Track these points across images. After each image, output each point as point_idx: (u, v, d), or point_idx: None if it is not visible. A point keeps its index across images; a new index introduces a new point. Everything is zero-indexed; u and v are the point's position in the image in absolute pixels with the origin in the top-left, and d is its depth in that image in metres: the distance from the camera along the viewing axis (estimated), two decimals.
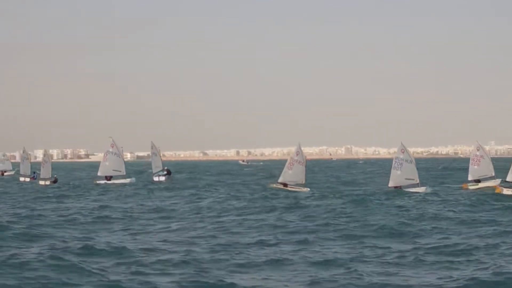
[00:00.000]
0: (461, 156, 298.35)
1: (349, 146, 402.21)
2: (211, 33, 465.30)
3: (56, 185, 56.61)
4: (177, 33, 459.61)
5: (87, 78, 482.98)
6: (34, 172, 69.52)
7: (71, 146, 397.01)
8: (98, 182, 56.54)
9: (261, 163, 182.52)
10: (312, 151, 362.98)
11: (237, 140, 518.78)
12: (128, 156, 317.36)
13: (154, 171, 62.64)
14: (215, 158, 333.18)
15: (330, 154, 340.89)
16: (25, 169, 71.83)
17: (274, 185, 47.32)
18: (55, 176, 61.64)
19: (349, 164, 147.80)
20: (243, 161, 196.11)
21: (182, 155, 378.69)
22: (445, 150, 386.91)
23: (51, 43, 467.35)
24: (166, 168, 63.07)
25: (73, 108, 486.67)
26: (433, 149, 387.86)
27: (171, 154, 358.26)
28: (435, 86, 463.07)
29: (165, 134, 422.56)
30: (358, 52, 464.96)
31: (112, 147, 56.46)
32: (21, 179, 69.99)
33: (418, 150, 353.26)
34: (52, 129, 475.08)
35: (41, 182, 60.28)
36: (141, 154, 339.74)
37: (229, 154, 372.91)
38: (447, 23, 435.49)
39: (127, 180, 56.50)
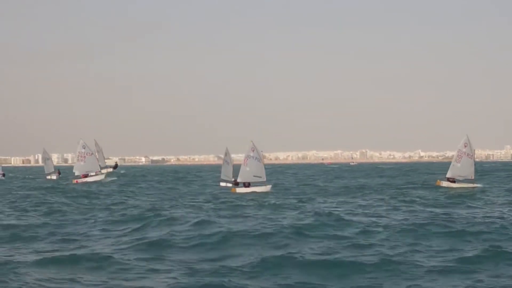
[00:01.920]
0: (477, 160, 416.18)
1: (364, 150, 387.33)
2: (222, 38, 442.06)
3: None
4: (186, 37, 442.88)
5: (98, 81, 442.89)
6: (59, 170, 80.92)
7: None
8: (235, 190, 51.33)
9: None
10: (327, 155, 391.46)
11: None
12: (143, 160, 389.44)
13: (223, 178, 59.93)
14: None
15: (352, 158, 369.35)
16: (49, 168, 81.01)
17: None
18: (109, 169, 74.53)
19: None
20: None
21: (197, 159, 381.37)
22: None
23: (67, 46, 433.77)
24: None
25: (83, 111, 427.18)
26: (448, 153, 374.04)
27: (185, 158, 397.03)
28: (449, 90, 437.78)
29: (180, 139, 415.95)
30: (373, 55, 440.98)
31: (253, 151, 49.98)
32: (48, 177, 77.16)
33: (433, 154, 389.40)
34: (64, 132, 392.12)
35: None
36: (155, 158, 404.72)
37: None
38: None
39: (268, 187, 50.04)
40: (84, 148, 63.02)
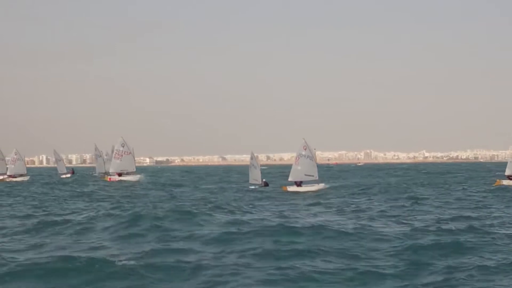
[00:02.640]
0: (481, 160, 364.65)
1: (368, 151, 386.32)
2: (223, 38, 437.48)
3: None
4: (186, 37, 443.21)
5: (98, 81, 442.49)
6: (72, 169, 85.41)
7: (89, 151, 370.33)
8: (287, 188, 50.86)
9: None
10: (332, 156, 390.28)
11: (256, 145, 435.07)
12: (147, 161, 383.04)
13: (251, 182, 58.96)
14: (234, 163, 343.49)
15: (358, 159, 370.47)
16: (61, 168, 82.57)
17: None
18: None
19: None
20: None
21: (201, 160, 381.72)
22: (464, 154, 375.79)
23: (67, 46, 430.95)
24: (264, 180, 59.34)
25: (87, 112, 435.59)
26: (453, 154, 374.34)
27: (190, 159, 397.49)
28: (453, 90, 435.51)
29: (185, 139, 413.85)
30: (377, 55, 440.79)
31: (305, 149, 49.28)
32: (62, 176, 79.06)
33: (438, 154, 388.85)
34: (71, 134, 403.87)
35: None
36: (159, 159, 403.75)
37: (247, 158, 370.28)
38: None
39: (321, 185, 49.96)
40: (123, 147, 61.33)
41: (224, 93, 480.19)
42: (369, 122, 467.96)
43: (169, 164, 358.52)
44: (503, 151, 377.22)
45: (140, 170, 74.85)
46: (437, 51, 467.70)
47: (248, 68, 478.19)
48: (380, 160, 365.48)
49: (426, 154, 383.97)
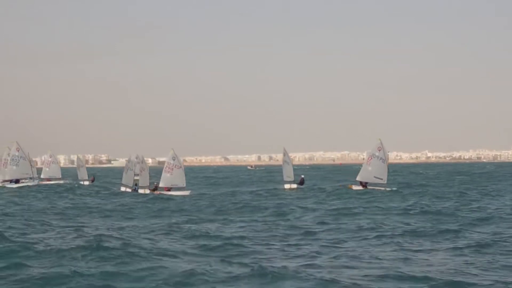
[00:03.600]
0: (484, 160, 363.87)
1: (370, 151, 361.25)
2: (224, 39, 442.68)
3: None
4: (187, 37, 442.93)
5: (98, 81, 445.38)
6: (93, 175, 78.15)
7: (92, 151, 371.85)
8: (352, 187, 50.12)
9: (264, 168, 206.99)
10: (334, 156, 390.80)
11: (259, 145, 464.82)
12: (150, 161, 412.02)
13: (285, 179, 59.41)
14: (236, 163, 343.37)
15: (363, 159, 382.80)
16: (82, 175, 74.52)
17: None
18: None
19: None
20: (251, 166, 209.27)
21: (203, 160, 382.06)
22: (467, 154, 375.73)
23: (67, 47, 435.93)
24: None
25: (90, 111, 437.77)
26: (455, 154, 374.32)
27: (192, 159, 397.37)
28: (455, 90, 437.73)
29: (187, 139, 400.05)
30: (379, 56, 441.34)
31: (379, 150, 48.10)
32: (81, 182, 72.15)
33: (441, 155, 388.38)
34: (73, 134, 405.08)
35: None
36: (162, 159, 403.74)
37: (250, 159, 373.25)
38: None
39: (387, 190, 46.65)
40: (174, 160, 57.25)
41: (224, 93, 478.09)
42: (371, 122, 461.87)
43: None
44: (506, 151, 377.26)
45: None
46: (438, 51, 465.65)
47: (248, 68, 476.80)
48: None
49: (429, 154, 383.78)
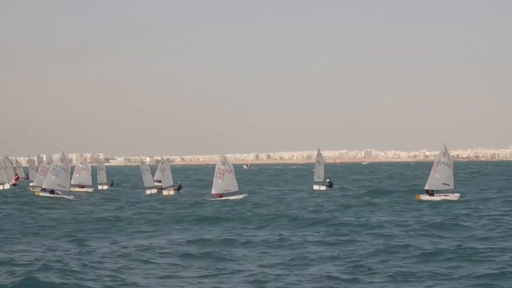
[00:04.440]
0: (482, 159, 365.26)
1: (369, 150, 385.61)
2: (223, 38, 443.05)
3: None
4: (186, 37, 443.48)
5: (97, 81, 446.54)
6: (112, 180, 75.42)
7: (90, 150, 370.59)
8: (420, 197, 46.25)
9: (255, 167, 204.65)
10: (332, 155, 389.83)
11: (257, 144, 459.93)
12: (147, 160, 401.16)
13: (316, 180, 60.28)
14: (234, 162, 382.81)
15: (364, 157, 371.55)
16: (101, 178, 72.66)
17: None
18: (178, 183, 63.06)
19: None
20: (247, 166, 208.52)
21: (201, 159, 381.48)
22: (465, 153, 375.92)
23: (66, 47, 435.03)
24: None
25: (90, 111, 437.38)
26: (453, 153, 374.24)
27: (190, 158, 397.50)
28: (453, 89, 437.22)
29: (185, 138, 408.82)
30: (378, 55, 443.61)
31: (444, 156, 45.71)
32: (99, 187, 70.53)
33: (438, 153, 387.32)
34: (70, 133, 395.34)
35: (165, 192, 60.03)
36: (160, 158, 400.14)
37: (248, 158, 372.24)
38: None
39: (456, 195, 45.78)
40: (224, 165, 55.21)
41: (223, 92, 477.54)
42: (369, 121, 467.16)
43: (171, 164, 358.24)
44: (504, 150, 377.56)
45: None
46: (437, 51, 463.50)
47: (247, 67, 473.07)
48: (381, 159, 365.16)
49: (427, 153, 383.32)
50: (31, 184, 68.90)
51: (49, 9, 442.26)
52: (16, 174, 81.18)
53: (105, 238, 26.79)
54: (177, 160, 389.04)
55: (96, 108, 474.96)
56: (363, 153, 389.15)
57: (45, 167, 66.53)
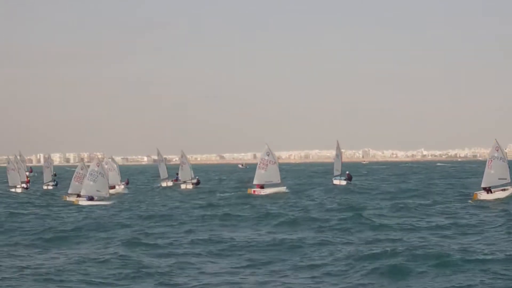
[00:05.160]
0: (480, 159, 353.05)
1: (366, 149, 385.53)
2: (222, 37, 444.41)
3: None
4: (185, 36, 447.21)
5: (96, 80, 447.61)
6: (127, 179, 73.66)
7: (87, 150, 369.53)
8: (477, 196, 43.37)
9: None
10: (330, 154, 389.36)
11: (254, 143, 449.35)
12: (145, 160, 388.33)
13: (335, 173, 60.87)
14: (232, 161, 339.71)
15: (362, 157, 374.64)
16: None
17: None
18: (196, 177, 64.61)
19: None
20: (242, 165, 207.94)
21: (199, 159, 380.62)
22: (463, 152, 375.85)
23: (66, 46, 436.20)
24: None
25: (87, 111, 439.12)
26: (451, 152, 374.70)
27: (188, 158, 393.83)
28: (451, 88, 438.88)
29: (182, 137, 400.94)
30: (374, 54, 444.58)
31: (497, 150, 44.31)
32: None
33: (436, 153, 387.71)
34: (69, 133, 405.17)
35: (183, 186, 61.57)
36: (157, 158, 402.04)
37: (246, 157, 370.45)
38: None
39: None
40: (268, 155, 53.79)
41: (222, 92, 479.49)
42: (367, 121, 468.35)
43: (169, 163, 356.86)
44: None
45: (141, 168, 70.10)
46: (434, 50, 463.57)
47: (247, 67, 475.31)
48: (379, 159, 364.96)
49: (425, 153, 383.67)
50: (69, 192, 65.09)
51: (49, 9, 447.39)
52: (27, 176, 76.21)
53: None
54: (175, 160, 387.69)
55: (95, 108, 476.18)
56: (360, 152, 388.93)
57: (79, 173, 65.24)
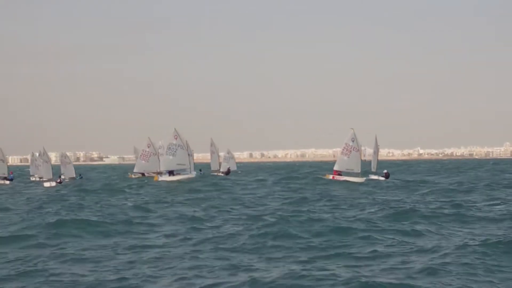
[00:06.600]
0: (476, 157, 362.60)
1: (363, 148, 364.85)
2: (221, 37, 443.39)
3: None
4: (184, 36, 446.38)
5: (95, 80, 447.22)
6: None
7: (83, 149, 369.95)
8: None
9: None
10: (326, 153, 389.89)
11: (251, 142, 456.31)
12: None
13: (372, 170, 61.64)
14: None
15: (364, 156, 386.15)
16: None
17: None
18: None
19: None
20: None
21: (195, 157, 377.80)
22: (459, 151, 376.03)
23: (65, 46, 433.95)
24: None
25: (84, 111, 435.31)
26: (447, 151, 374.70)
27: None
28: (448, 87, 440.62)
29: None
30: (370, 53, 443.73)
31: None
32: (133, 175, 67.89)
33: (432, 151, 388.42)
34: (65, 131, 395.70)
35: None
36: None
37: (242, 156, 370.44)
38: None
39: None
40: (353, 141, 51.29)
41: (221, 92, 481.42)
42: (364, 120, 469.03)
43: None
44: (498, 148, 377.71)
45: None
46: (433, 49, 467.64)
47: (247, 67, 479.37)
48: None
49: (421, 151, 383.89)
50: (134, 171, 67.48)
51: (49, 9, 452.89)
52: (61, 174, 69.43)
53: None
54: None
55: (94, 107, 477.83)
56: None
57: (145, 151, 62.96)
